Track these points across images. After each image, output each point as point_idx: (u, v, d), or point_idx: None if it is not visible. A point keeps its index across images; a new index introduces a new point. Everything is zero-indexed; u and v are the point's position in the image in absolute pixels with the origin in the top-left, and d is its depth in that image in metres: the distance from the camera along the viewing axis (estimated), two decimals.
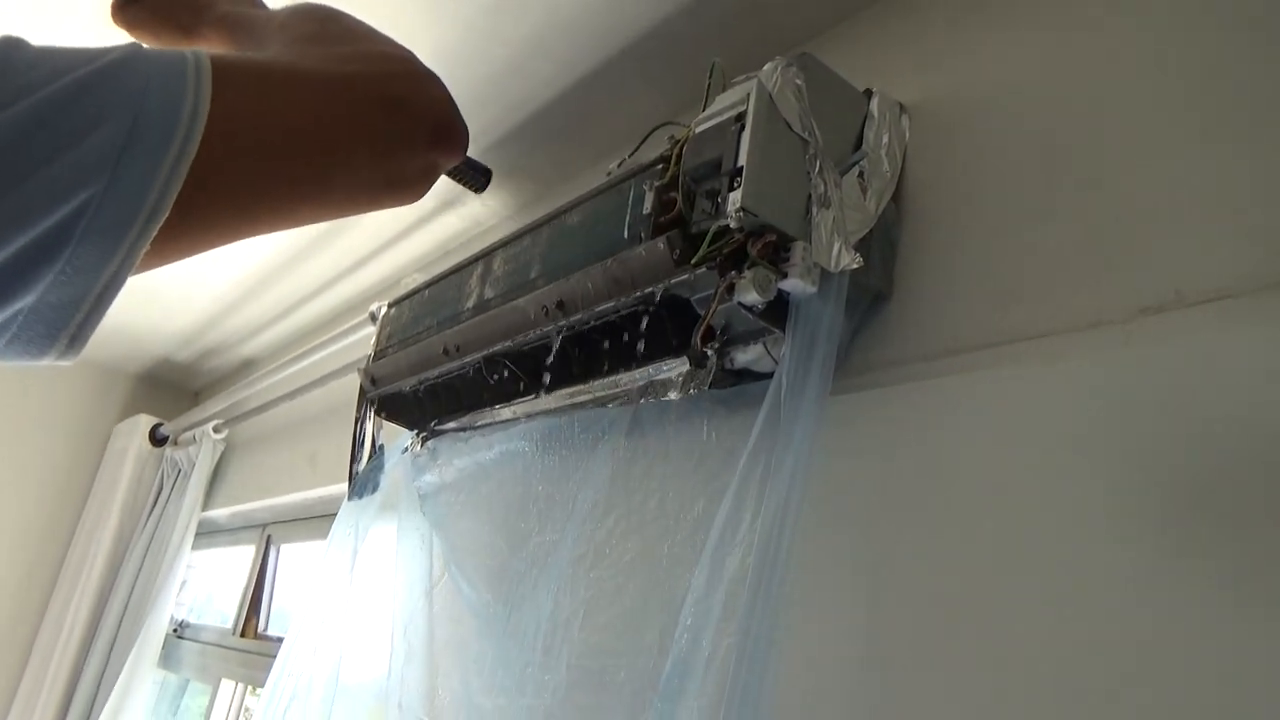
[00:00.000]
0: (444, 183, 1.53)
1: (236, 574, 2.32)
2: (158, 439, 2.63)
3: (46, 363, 0.46)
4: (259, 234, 0.54)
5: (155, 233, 0.43)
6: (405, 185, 0.61)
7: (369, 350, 1.39)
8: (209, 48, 0.72)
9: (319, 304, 2.15)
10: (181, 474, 2.46)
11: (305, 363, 1.92)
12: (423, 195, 0.63)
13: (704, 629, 0.74)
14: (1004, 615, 0.64)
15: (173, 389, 3.01)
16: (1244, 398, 0.56)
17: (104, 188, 0.41)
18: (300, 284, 2.07)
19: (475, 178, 0.75)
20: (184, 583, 2.37)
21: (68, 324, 0.43)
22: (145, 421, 2.65)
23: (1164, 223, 0.65)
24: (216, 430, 2.39)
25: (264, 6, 0.76)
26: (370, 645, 1.23)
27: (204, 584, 2.56)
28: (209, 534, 2.47)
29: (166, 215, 0.43)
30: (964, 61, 0.88)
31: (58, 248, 0.41)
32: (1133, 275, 0.65)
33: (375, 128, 0.56)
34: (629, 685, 0.90)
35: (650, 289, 0.84)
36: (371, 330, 1.46)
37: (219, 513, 2.39)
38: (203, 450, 2.38)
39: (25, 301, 0.41)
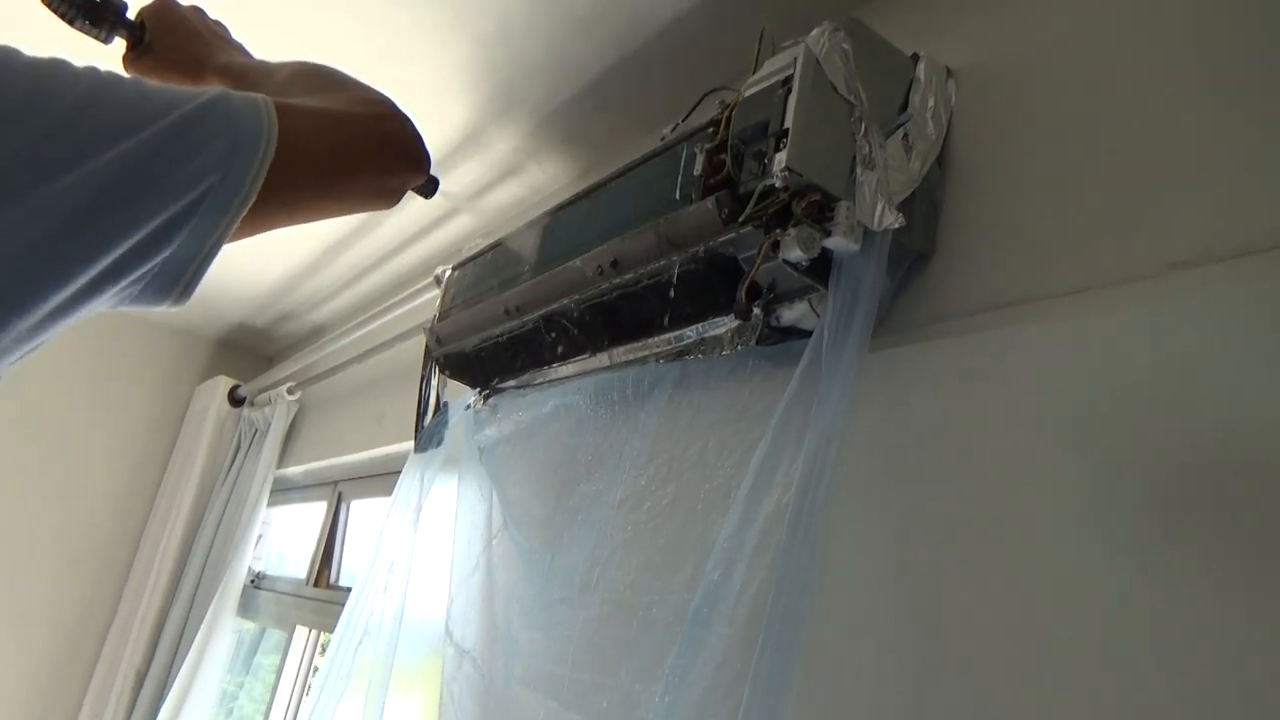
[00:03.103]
0: (505, 154, 1.59)
1: (309, 528, 2.43)
2: (236, 400, 2.76)
3: (163, 308, 0.62)
4: (293, 223, 0.71)
5: (244, 213, 0.61)
6: (387, 195, 0.81)
7: (434, 313, 1.45)
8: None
9: (385, 271, 2.23)
10: (258, 433, 2.57)
11: (373, 326, 2.00)
12: (396, 204, 0.83)
13: (736, 563, 0.78)
14: (1034, 565, 0.67)
15: (249, 353, 3.15)
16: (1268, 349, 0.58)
17: (219, 180, 0.60)
18: (367, 252, 2.15)
19: (427, 188, 0.92)
20: (260, 537, 2.50)
21: (183, 276, 0.61)
22: (224, 383, 2.77)
23: (1194, 182, 0.66)
24: (290, 392, 2.49)
25: (251, 56, 0.94)
26: (433, 588, 1.30)
27: (277, 539, 2.68)
28: (284, 490, 2.59)
29: (251, 202, 0.61)
30: (1009, 27, 0.89)
31: (186, 219, 0.59)
32: (1163, 233, 0.67)
33: (373, 153, 0.76)
34: (663, 620, 0.95)
35: (699, 247, 0.87)
36: (436, 293, 1.52)
37: (293, 470, 2.50)
38: (278, 411, 2.48)
39: (161, 257, 0.59)
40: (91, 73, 0.58)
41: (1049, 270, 0.75)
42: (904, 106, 0.88)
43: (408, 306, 1.82)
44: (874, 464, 0.81)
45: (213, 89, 0.63)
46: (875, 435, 0.81)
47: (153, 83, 0.62)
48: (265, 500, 2.41)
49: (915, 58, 0.89)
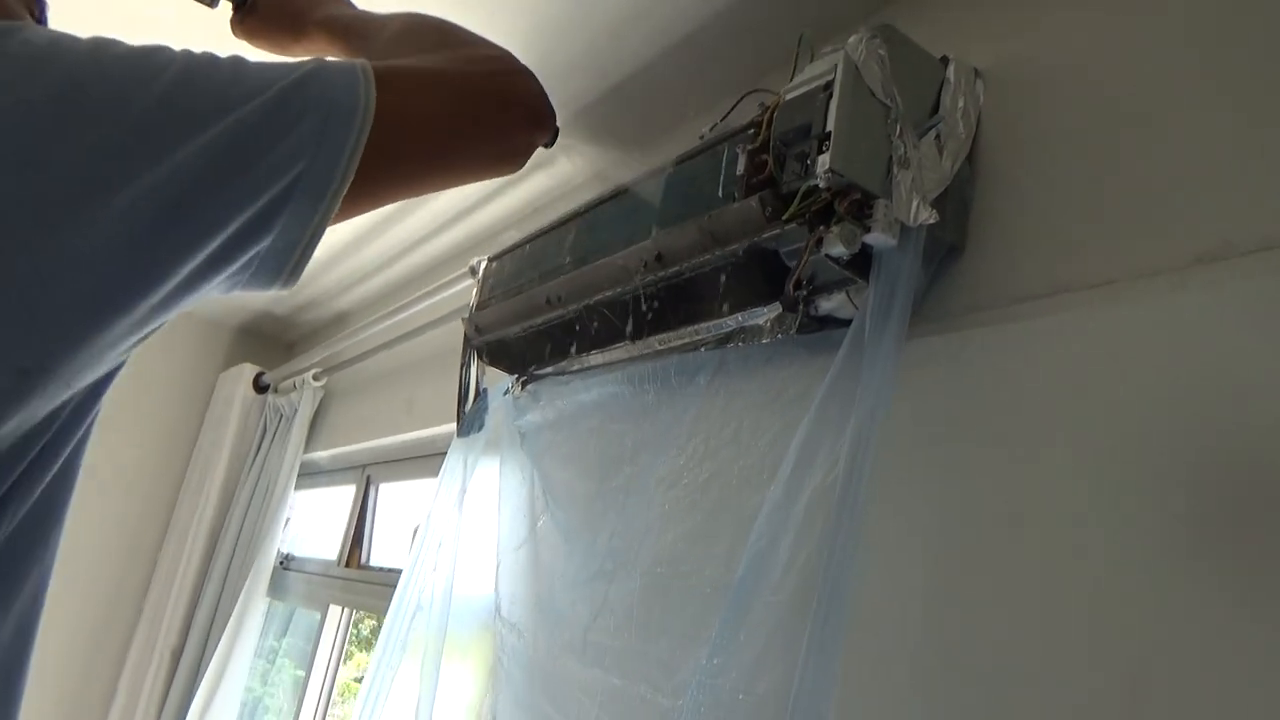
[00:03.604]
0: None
1: (336, 511, 2.49)
2: (260, 386, 2.79)
3: (274, 291, 0.63)
4: (409, 197, 0.70)
5: (344, 193, 0.59)
6: (511, 158, 0.77)
7: (463, 302, 1.51)
8: (316, 47, 0.88)
9: (410, 261, 2.28)
10: (284, 419, 2.61)
11: (402, 315, 2.04)
12: (523, 166, 0.79)
13: (781, 537, 0.84)
14: (1062, 555, 0.72)
15: (270, 340, 3.20)
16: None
17: (310, 161, 0.57)
18: (393, 242, 2.19)
19: (549, 143, 0.92)
20: (288, 520, 2.56)
21: (289, 260, 0.60)
22: (249, 370, 2.80)
23: (1217, 177, 0.72)
24: (316, 378, 2.53)
25: (355, 8, 0.90)
26: (480, 565, 1.37)
27: (303, 522, 2.74)
28: (311, 474, 2.65)
29: (351, 180, 0.59)
30: (1035, 28, 0.94)
31: (283, 203, 0.57)
32: (1188, 227, 0.72)
33: (491, 116, 0.72)
34: (701, 589, 1.02)
35: (742, 243, 0.93)
36: (467, 283, 1.58)
37: (320, 455, 2.56)
38: (303, 397, 2.52)
39: (264, 244, 0.59)
40: (186, 57, 0.57)
41: (1076, 262, 0.80)
42: (935, 107, 0.93)
43: (437, 297, 1.86)
44: (906, 450, 0.87)
45: (309, 62, 0.60)
46: (908, 422, 0.87)
47: (252, 62, 0.59)
48: (293, 484, 2.46)
49: (945, 60, 0.94)
